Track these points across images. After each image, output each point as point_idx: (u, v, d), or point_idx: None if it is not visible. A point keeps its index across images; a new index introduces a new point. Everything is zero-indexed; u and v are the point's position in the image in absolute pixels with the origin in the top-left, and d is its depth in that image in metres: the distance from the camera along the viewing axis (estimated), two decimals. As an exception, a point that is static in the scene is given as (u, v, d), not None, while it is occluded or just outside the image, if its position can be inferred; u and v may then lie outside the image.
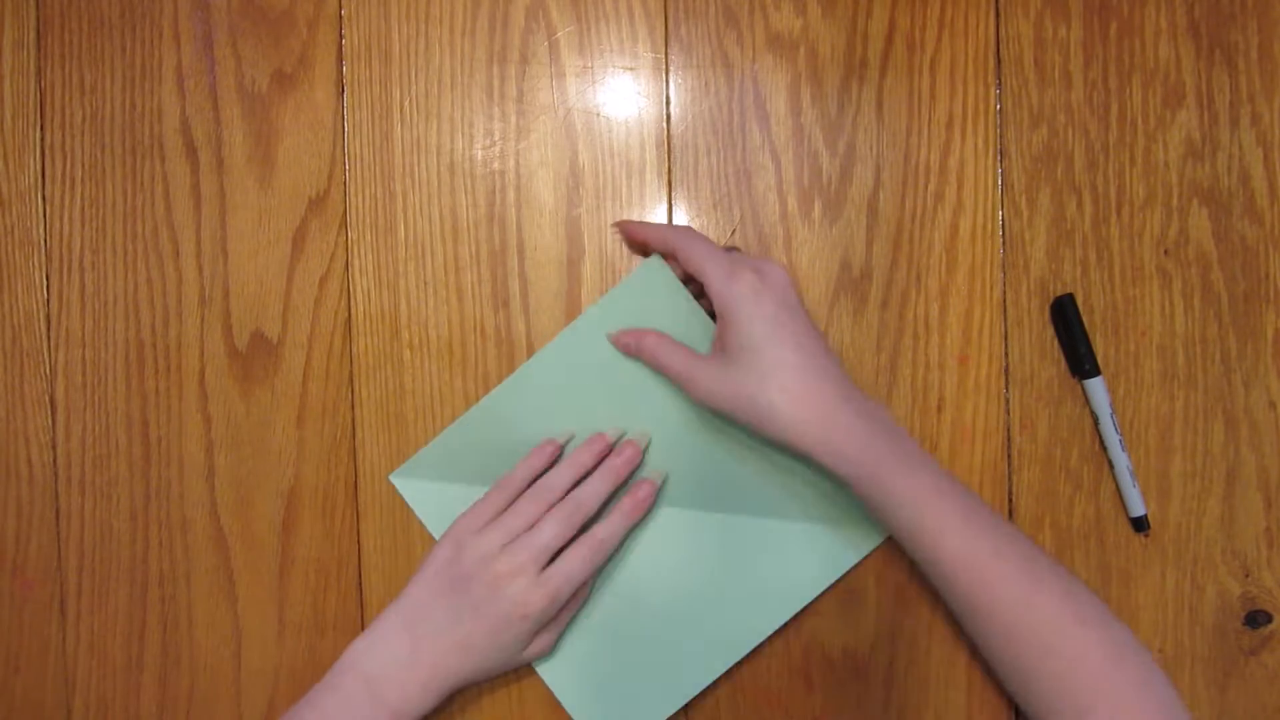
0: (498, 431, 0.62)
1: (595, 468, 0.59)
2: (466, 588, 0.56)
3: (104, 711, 0.64)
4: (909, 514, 0.54)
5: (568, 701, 0.61)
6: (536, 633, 0.58)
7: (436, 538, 0.62)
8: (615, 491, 0.60)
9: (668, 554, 0.61)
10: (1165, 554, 0.62)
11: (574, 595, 0.58)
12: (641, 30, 0.63)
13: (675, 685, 0.61)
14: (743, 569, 0.61)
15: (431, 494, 0.62)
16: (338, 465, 0.63)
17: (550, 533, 0.57)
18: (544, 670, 0.61)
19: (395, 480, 0.63)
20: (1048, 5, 0.63)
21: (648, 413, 0.61)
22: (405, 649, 0.56)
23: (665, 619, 0.61)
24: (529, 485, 0.59)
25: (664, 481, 0.61)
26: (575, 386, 0.62)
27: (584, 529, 0.58)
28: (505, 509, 0.58)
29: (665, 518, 0.61)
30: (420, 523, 0.63)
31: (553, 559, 0.57)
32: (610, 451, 0.60)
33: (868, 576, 0.62)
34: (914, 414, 0.63)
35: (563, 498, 0.58)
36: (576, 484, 0.59)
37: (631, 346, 0.60)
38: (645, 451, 0.61)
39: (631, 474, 0.60)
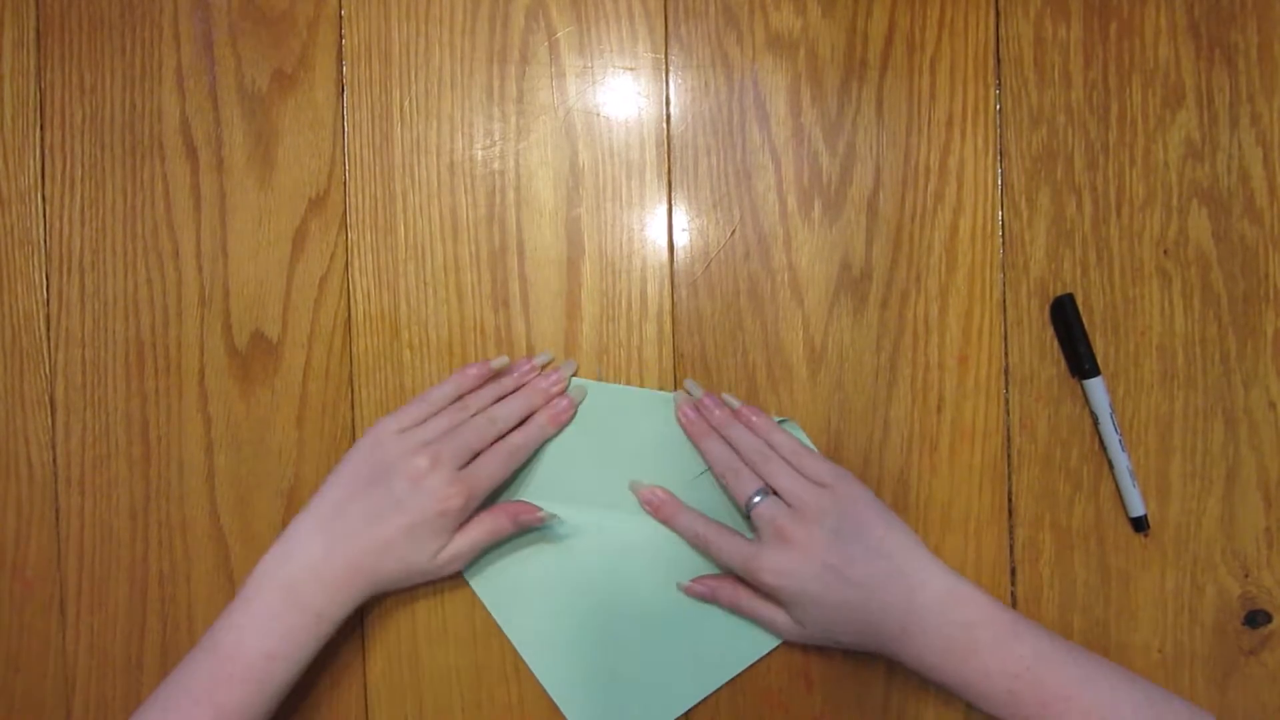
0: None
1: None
2: (386, 481, 0.56)
3: (104, 711, 0.64)
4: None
5: (570, 712, 0.61)
6: (453, 533, 0.58)
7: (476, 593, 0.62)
8: (531, 414, 0.61)
9: (668, 567, 0.62)
10: (1165, 554, 0.62)
11: (490, 512, 0.59)
12: (641, 30, 0.63)
13: (674, 694, 0.61)
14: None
15: None
16: (338, 465, 0.63)
17: (466, 435, 0.58)
18: (548, 682, 0.61)
19: None
20: (1048, 5, 0.63)
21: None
22: (320, 550, 0.56)
23: (666, 630, 0.61)
24: (452, 402, 0.60)
25: (583, 398, 0.62)
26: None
27: (512, 484, 0.60)
28: (424, 418, 0.59)
29: (665, 532, 0.62)
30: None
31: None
32: (535, 376, 0.62)
33: (867, 576, 0.62)
34: (914, 414, 0.63)
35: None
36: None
37: (707, 595, 0.61)
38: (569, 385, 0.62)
39: (551, 402, 0.61)
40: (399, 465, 0.57)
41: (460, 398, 0.60)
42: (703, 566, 0.62)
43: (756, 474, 0.58)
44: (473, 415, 0.59)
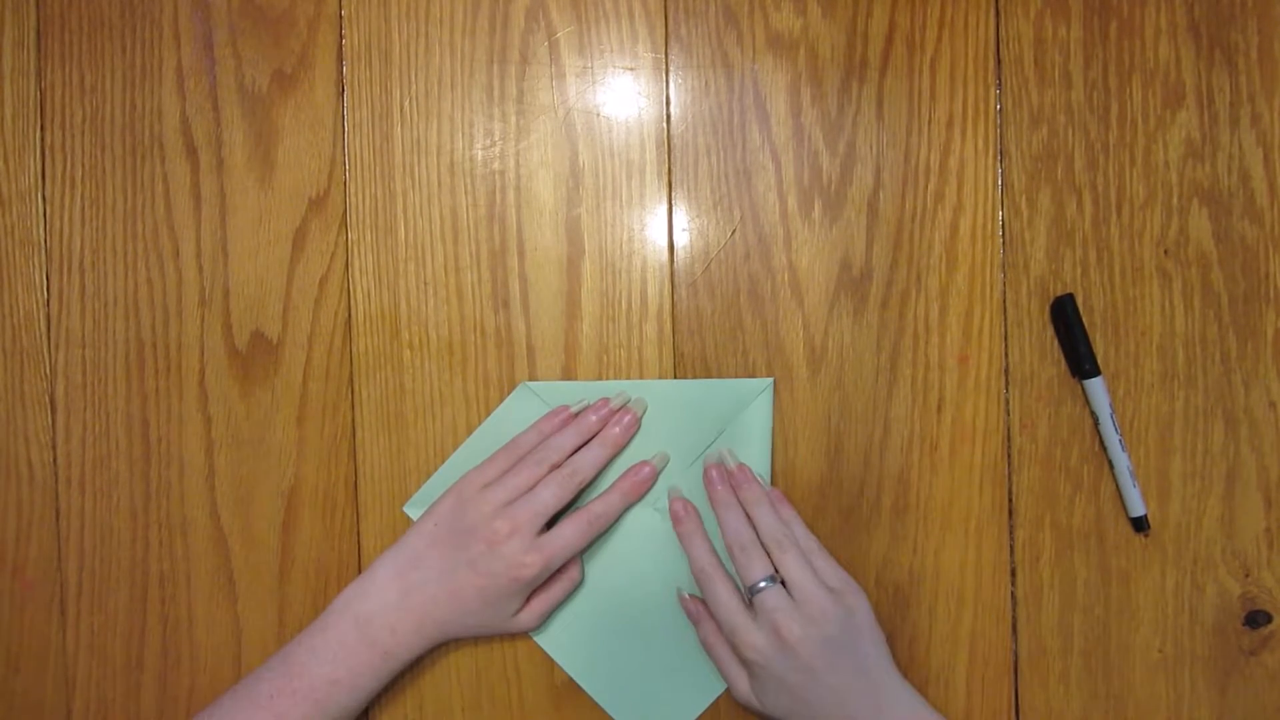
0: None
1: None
2: (465, 541, 0.58)
3: (104, 711, 0.64)
4: None
5: (609, 705, 0.62)
6: (527, 599, 0.59)
7: None
8: (613, 459, 0.61)
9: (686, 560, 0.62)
10: (1165, 554, 0.62)
11: (566, 570, 0.60)
12: (641, 30, 0.63)
13: (705, 682, 0.62)
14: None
15: None
16: (338, 465, 0.63)
17: (548, 495, 0.58)
18: (583, 680, 0.62)
19: (409, 511, 0.63)
20: (1048, 5, 0.63)
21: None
22: (396, 594, 0.58)
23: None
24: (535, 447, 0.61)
25: (665, 465, 0.62)
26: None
27: (584, 497, 0.60)
28: (509, 470, 0.60)
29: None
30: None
31: (551, 525, 0.59)
32: (613, 417, 0.62)
33: (868, 578, 0.62)
34: (914, 414, 0.63)
35: (565, 460, 0.60)
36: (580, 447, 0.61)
37: (691, 617, 0.61)
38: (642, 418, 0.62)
39: (629, 441, 0.62)
40: (479, 528, 0.58)
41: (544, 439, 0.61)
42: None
43: (771, 556, 0.58)
44: (554, 465, 0.59)
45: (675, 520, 0.61)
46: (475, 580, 0.57)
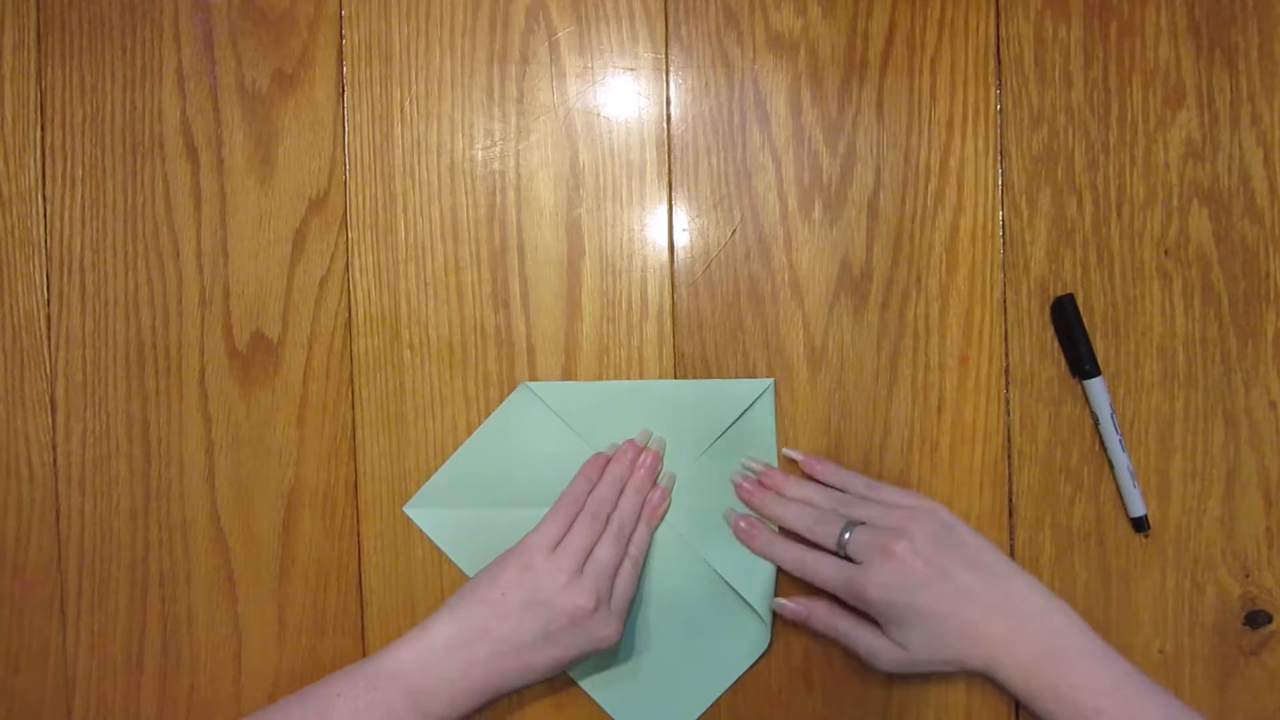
0: (496, 457, 0.63)
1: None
2: (543, 615, 0.56)
3: (104, 712, 0.64)
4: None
5: (610, 706, 0.62)
6: None
7: (456, 561, 0.62)
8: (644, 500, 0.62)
9: (690, 561, 0.62)
10: (1165, 554, 0.62)
11: None
12: (642, 30, 0.63)
13: (708, 681, 0.62)
14: (759, 567, 0.62)
15: (445, 520, 0.63)
16: (338, 465, 0.63)
17: (609, 556, 0.59)
18: (584, 681, 0.62)
19: (409, 511, 0.63)
20: (1048, 5, 0.63)
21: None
22: (458, 669, 0.55)
23: (692, 620, 0.62)
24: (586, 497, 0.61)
25: (672, 483, 0.63)
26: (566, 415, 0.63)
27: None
28: (570, 524, 0.59)
29: (685, 526, 0.62)
30: (421, 530, 0.63)
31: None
32: (638, 460, 0.62)
33: (868, 577, 0.62)
34: (914, 414, 0.63)
35: (611, 510, 0.61)
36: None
37: (801, 615, 0.61)
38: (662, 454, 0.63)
39: (654, 480, 0.62)
40: (559, 602, 0.56)
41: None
42: (726, 554, 0.62)
43: (838, 516, 0.59)
44: (606, 518, 0.60)
45: (747, 540, 0.61)
46: (554, 653, 0.56)
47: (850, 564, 0.57)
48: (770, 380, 0.62)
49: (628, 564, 0.60)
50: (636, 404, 0.63)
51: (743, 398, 0.62)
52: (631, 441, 0.62)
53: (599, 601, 0.57)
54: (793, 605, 0.60)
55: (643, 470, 0.62)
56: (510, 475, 0.62)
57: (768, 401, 0.62)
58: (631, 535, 0.61)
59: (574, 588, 0.57)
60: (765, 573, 0.61)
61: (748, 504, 0.62)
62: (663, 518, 0.62)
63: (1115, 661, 0.54)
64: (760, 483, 0.62)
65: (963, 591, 0.55)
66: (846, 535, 0.57)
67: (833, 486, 0.61)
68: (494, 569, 0.58)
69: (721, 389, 0.62)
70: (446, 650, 0.55)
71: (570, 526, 0.59)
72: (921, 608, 0.55)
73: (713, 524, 0.62)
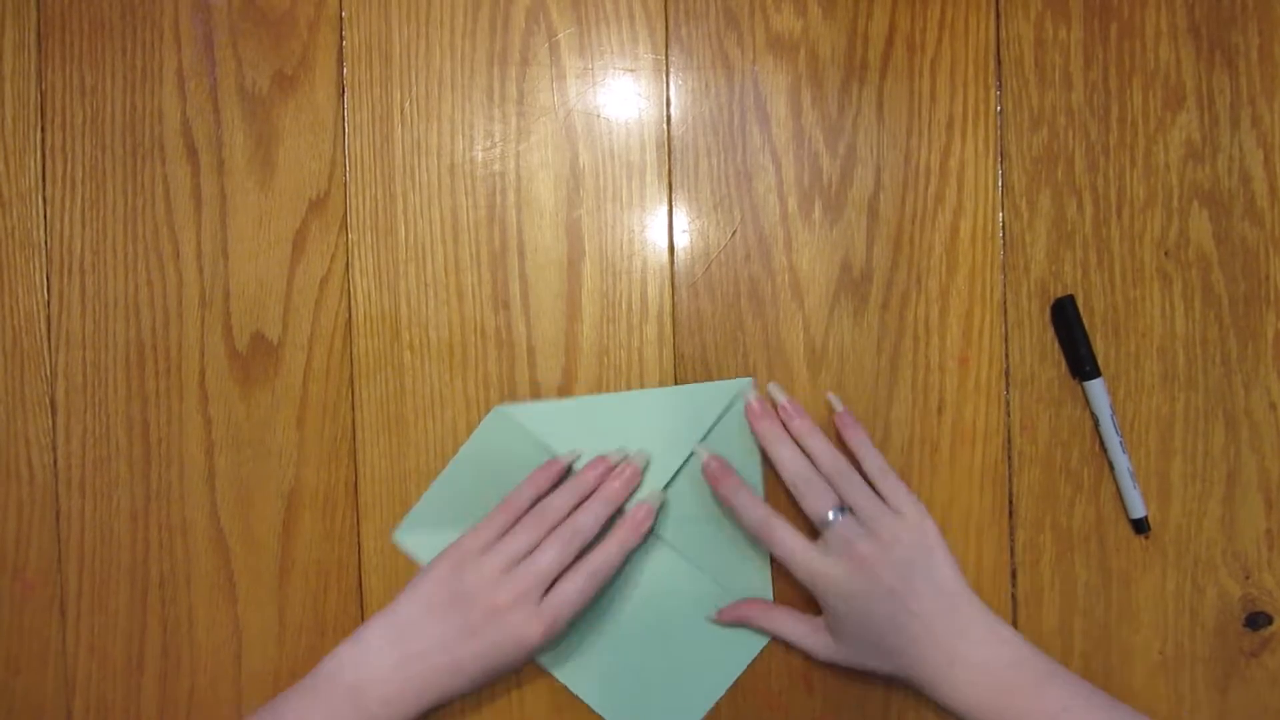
0: (478, 479, 0.62)
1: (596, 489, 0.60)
2: (464, 610, 0.56)
3: (104, 713, 0.64)
4: None
5: (607, 713, 0.62)
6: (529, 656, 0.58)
7: None
8: (615, 514, 0.60)
9: (681, 567, 0.62)
10: (1166, 556, 0.62)
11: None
12: (642, 32, 0.63)
13: (707, 684, 0.62)
14: (754, 564, 0.61)
15: (436, 545, 0.61)
16: (338, 467, 0.63)
17: (549, 558, 0.57)
18: (580, 688, 0.62)
19: (399, 539, 0.63)
20: (1048, 7, 0.63)
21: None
22: (392, 662, 0.56)
23: (689, 625, 0.62)
24: (533, 505, 0.59)
25: (662, 504, 0.61)
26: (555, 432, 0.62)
27: (584, 551, 0.58)
28: (507, 530, 0.58)
29: (674, 535, 0.62)
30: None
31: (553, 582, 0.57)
32: (611, 472, 0.60)
33: (868, 578, 0.62)
34: (914, 416, 0.63)
35: (564, 519, 0.58)
36: (579, 504, 0.59)
37: (738, 621, 0.61)
38: (645, 471, 0.61)
39: (630, 495, 0.60)
40: (479, 596, 0.56)
41: (539, 499, 0.59)
42: (718, 561, 0.61)
43: (837, 489, 0.58)
44: (553, 526, 0.58)
45: (714, 480, 0.59)
46: (478, 649, 0.56)
47: (811, 546, 0.57)
48: (749, 379, 0.62)
49: (580, 575, 0.57)
50: (614, 416, 0.62)
51: (721, 398, 0.62)
52: (602, 459, 0.60)
53: (519, 599, 0.56)
54: (729, 615, 0.61)
55: (618, 481, 0.59)
56: (495, 497, 0.61)
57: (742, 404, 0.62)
58: (589, 545, 0.58)
59: (499, 585, 0.56)
60: (760, 575, 0.61)
61: (752, 424, 0.60)
62: (645, 536, 0.60)
63: (1062, 685, 0.54)
64: (772, 413, 0.60)
65: (914, 616, 0.55)
66: (830, 516, 0.57)
67: (854, 454, 0.60)
68: (428, 568, 0.58)
69: (699, 392, 0.62)
70: (380, 646, 0.56)
71: (507, 531, 0.58)
72: (865, 618, 0.56)
73: (703, 531, 0.62)
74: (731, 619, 0.61)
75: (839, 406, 0.61)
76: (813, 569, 0.56)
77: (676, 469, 0.62)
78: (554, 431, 0.62)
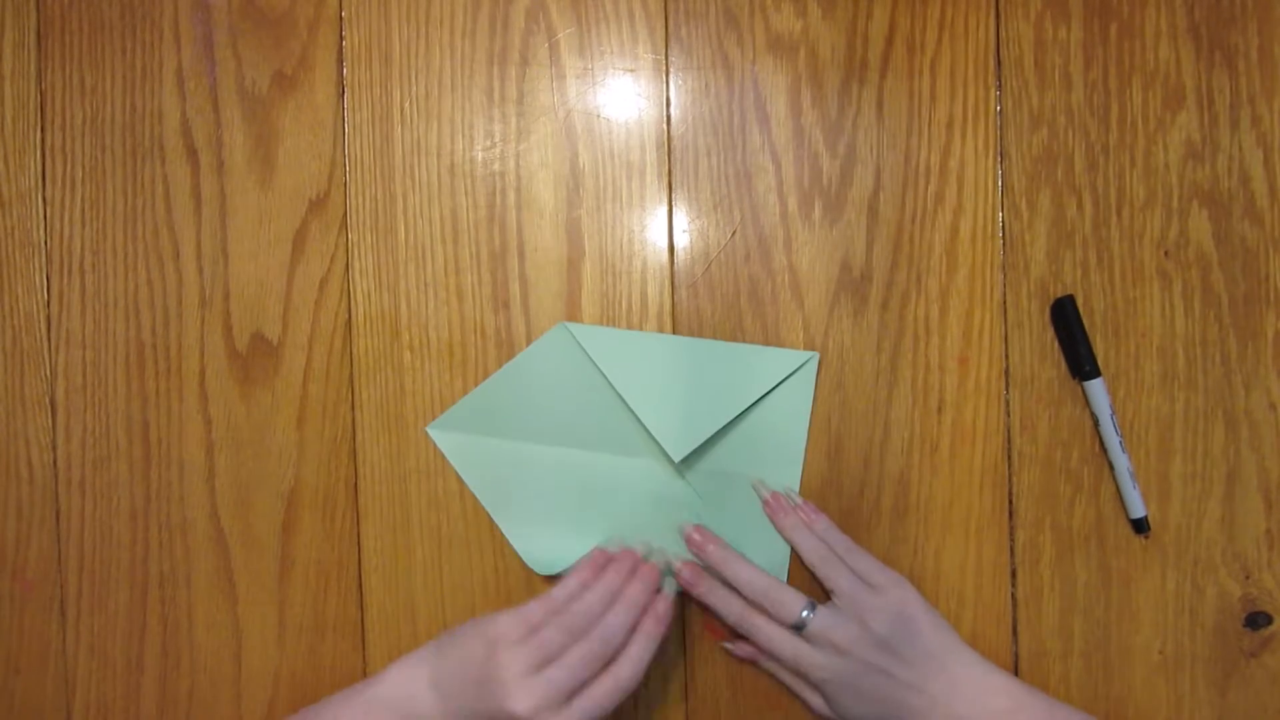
0: (525, 391, 0.63)
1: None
2: (498, 698, 0.55)
3: (104, 713, 0.64)
4: None
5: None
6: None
7: (470, 486, 0.63)
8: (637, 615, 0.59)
9: (687, 512, 0.63)
10: (1165, 555, 0.62)
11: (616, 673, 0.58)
12: (642, 32, 0.63)
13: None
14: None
15: (465, 445, 0.63)
16: (338, 466, 0.63)
17: (582, 669, 0.56)
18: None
19: (431, 432, 0.63)
20: (1048, 7, 0.63)
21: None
22: (440, 706, 0.56)
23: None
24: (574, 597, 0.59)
25: (675, 594, 0.61)
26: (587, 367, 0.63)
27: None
28: (545, 621, 0.57)
29: (705, 490, 0.63)
30: (419, 521, 0.63)
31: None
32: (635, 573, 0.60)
33: (868, 578, 0.62)
34: (914, 415, 0.63)
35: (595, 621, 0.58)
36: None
37: (751, 656, 0.61)
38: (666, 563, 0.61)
39: (652, 593, 0.60)
40: (515, 691, 0.55)
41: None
42: (741, 524, 0.62)
43: (816, 575, 0.60)
44: (585, 631, 0.57)
45: (689, 586, 0.61)
46: None
47: (793, 639, 0.58)
48: (814, 354, 0.62)
49: (609, 679, 0.56)
50: (672, 359, 0.62)
51: (782, 368, 0.62)
52: (630, 551, 0.61)
53: (539, 709, 0.54)
54: (744, 650, 0.61)
55: (637, 584, 0.59)
56: (536, 411, 0.63)
57: (808, 375, 0.62)
58: (620, 650, 0.57)
59: (519, 686, 0.55)
60: (781, 552, 0.62)
61: (699, 557, 0.61)
62: (668, 629, 0.59)
63: None
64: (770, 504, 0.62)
65: (902, 686, 0.57)
66: (805, 615, 0.58)
67: (820, 539, 0.61)
68: (472, 632, 0.57)
69: (762, 355, 0.62)
70: (428, 686, 0.56)
71: (544, 622, 0.57)
72: (859, 691, 0.57)
73: (734, 492, 0.62)
74: (744, 656, 0.62)
75: (765, 493, 0.62)
76: (799, 659, 0.58)
77: (728, 421, 0.62)
78: (611, 360, 0.62)
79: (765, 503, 0.62)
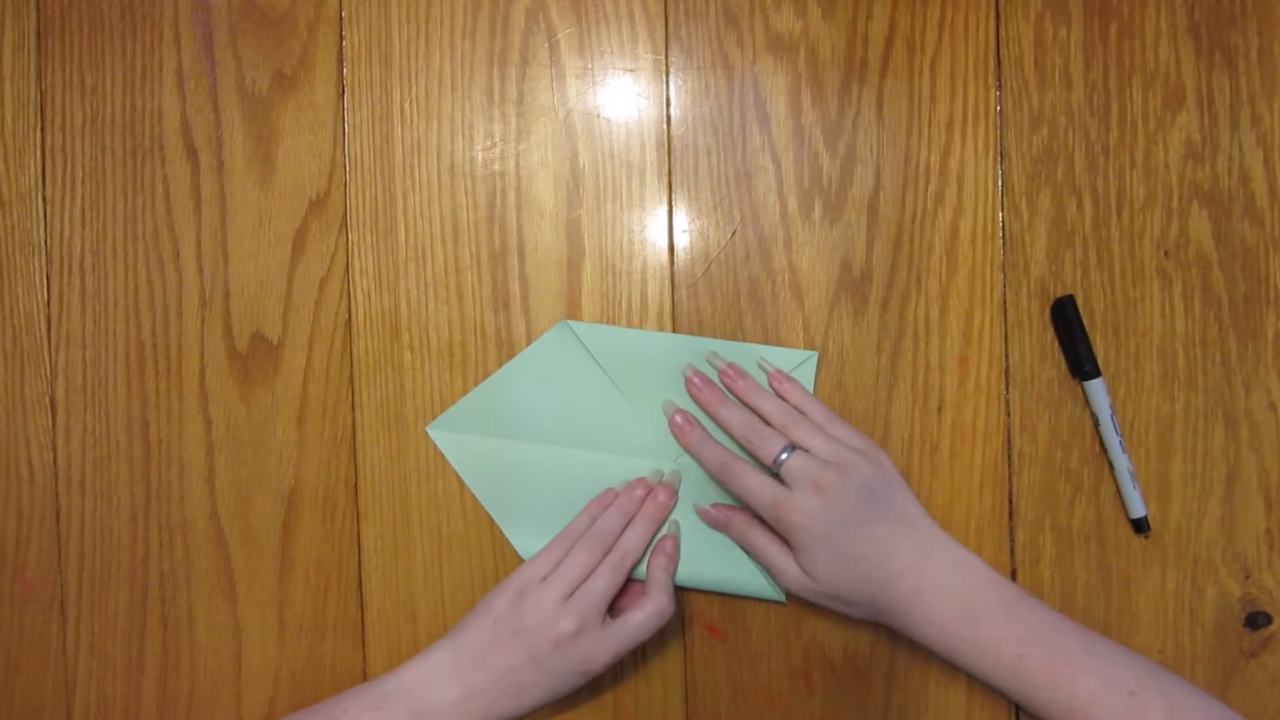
0: (525, 390, 0.63)
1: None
2: (529, 642, 0.56)
3: (104, 713, 0.64)
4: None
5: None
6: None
7: (470, 487, 0.63)
8: (655, 531, 0.61)
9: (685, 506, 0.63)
10: (1165, 555, 0.62)
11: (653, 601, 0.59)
12: (642, 32, 0.63)
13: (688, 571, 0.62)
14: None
15: (464, 445, 0.63)
16: (338, 466, 0.63)
17: (604, 584, 0.58)
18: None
19: (431, 432, 0.63)
20: (1048, 7, 0.63)
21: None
22: (455, 695, 0.56)
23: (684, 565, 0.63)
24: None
25: (679, 482, 0.62)
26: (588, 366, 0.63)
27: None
28: (564, 558, 0.59)
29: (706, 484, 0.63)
30: (419, 521, 0.63)
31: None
32: (651, 493, 0.62)
33: (868, 578, 0.62)
34: (914, 416, 0.63)
35: (615, 541, 0.60)
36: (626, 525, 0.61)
37: (721, 522, 0.61)
38: (679, 488, 0.63)
39: (668, 513, 0.62)
40: (543, 628, 0.56)
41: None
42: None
43: (785, 436, 0.58)
44: (605, 549, 0.59)
45: (679, 433, 0.61)
46: (543, 679, 0.56)
47: (775, 484, 0.57)
48: (814, 353, 0.62)
49: (647, 596, 0.58)
50: (674, 357, 0.62)
51: (782, 367, 0.62)
52: (642, 480, 0.62)
53: (582, 626, 0.56)
54: (715, 513, 0.61)
55: (653, 505, 0.61)
56: (537, 411, 0.63)
57: (807, 373, 0.62)
58: (634, 566, 0.60)
59: (558, 613, 0.56)
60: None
61: (695, 398, 0.61)
62: (666, 519, 0.62)
63: (1031, 609, 0.55)
64: (717, 379, 0.61)
65: (879, 541, 0.56)
66: (784, 455, 0.57)
67: (795, 407, 0.60)
68: (490, 598, 0.58)
69: (762, 354, 0.62)
70: (445, 677, 0.56)
71: (563, 559, 0.59)
72: (834, 547, 0.56)
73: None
74: (715, 519, 0.61)
75: (770, 367, 0.62)
76: (776, 499, 0.57)
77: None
78: (613, 358, 0.62)
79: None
